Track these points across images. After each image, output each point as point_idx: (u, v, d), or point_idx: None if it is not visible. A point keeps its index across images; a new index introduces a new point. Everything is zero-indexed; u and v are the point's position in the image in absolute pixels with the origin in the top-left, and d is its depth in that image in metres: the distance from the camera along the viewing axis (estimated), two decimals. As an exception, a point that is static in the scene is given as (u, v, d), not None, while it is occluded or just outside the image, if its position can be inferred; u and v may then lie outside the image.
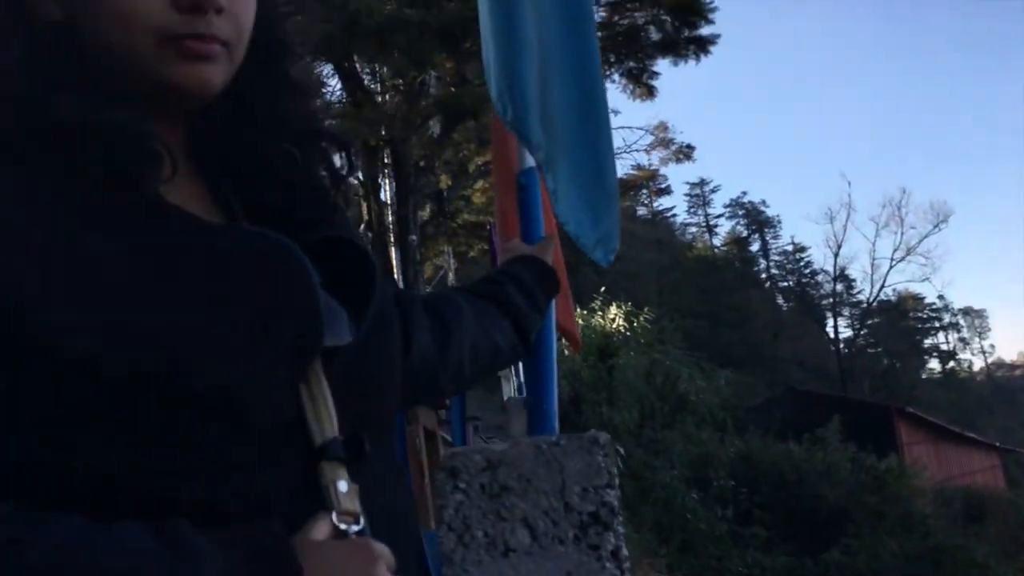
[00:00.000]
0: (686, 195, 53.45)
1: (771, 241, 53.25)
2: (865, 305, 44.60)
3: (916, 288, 48.06)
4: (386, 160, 13.53)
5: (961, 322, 61.70)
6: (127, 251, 0.67)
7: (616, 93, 14.37)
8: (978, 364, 64.74)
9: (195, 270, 0.69)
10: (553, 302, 1.42)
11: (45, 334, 0.62)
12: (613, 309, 15.97)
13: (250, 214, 0.84)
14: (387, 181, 13.81)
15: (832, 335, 42.75)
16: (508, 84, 1.44)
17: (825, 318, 44.38)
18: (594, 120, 1.63)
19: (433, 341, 1.09)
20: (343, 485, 0.73)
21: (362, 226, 12.95)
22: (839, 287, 44.82)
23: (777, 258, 53.26)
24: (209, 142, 0.84)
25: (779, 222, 54.24)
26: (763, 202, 59.23)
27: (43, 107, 0.68)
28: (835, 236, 42.17)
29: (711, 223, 53.39)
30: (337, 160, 0.90)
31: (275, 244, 0.76)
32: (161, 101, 0.76)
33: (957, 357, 59.83)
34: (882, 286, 42.08)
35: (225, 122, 0.84)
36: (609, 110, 1.73)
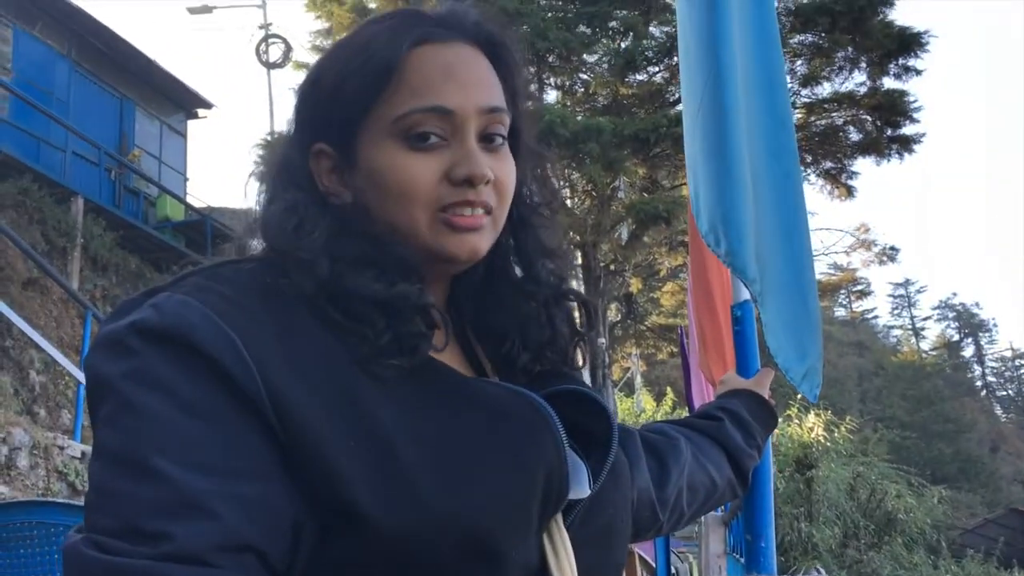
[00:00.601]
0: (889, 296, 50.88)
1: (987, 346, 49.49)
2: (1100, 419, 40.21)
3: None
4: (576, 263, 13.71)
5: None
6: (407, 407, 0.74)
7: (813, 193, 14.00)
8: None
9: (465, 426, 0.76)
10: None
11: (324, 470, 0.69)
12: (811, 417, 15.21)
13: (493, 364, 0.91)
14: (576, 283, 13.98)
15: (1062, 451, 38.72)
16: (722, 218, 1.46)
17: (1053, 432, 40.34)
18: (798, 252, 1.63)
19: (652, 479, 1.10)
20: None
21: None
22: (1068, 398, 40.71)
23: (994, 364, 49.38)
24: (460, 296, 0.92)
25: (995, 325, 50.83)
26: (976, 304, 55.55)
27: (344, 283, 0.77)
28: (1062, 341, 38.65)
29: (917, 326, 50.34)
30: (578, 317, 0.95)
31: (529, 401, 0.81)
32: (431, 266, 0.84)
33: None
34: (1120, 398, 37.87)
35: (480, 280, 0.91)
36: (811, 239, 1.72)
